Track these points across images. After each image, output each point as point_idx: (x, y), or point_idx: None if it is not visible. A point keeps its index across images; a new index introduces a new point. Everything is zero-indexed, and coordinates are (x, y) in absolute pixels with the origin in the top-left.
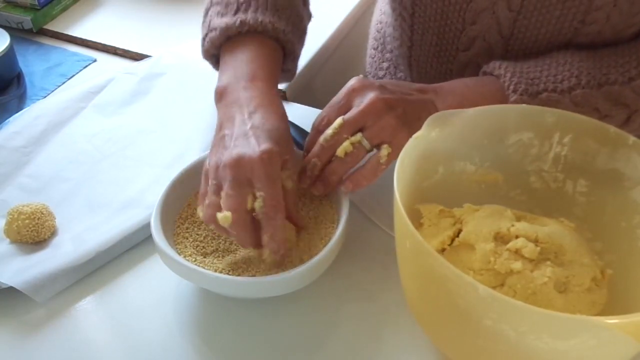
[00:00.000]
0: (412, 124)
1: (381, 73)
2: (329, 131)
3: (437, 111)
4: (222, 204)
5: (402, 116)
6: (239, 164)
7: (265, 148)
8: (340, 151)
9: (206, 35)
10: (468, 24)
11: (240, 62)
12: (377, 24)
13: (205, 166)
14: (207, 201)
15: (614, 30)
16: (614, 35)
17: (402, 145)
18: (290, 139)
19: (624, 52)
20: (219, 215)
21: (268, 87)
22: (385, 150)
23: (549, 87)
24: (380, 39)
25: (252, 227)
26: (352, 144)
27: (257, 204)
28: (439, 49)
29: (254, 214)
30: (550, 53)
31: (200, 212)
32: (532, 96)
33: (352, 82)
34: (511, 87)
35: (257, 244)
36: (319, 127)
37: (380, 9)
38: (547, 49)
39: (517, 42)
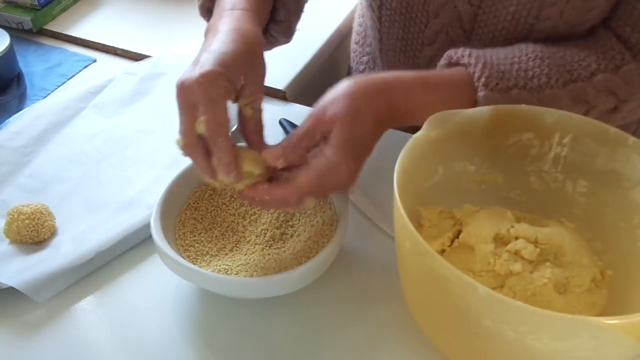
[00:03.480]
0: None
1: (362, 67)
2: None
3: None
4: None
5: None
6: (181, 89)
7: (204, 70)
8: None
9: None
10: (431, 17)
11: (225, 1)
12: (359, 17)
13: None
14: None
15: (568, 26)
16: (568, 32)
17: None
18: (251, 63)
19: (584, 45)
20: (176, 138)
21: (242, 14)
22: None
23: (520, 84)
24: (361, 32)
25: (204, 153)
26: None
27: (200, 128)
28: (405, 42)
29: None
30: (518, 44)
31: None
32: (502, 92)
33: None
34: (482, 80)
35: (210, 171)
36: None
37: (361, 3)
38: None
39: (478, 38)
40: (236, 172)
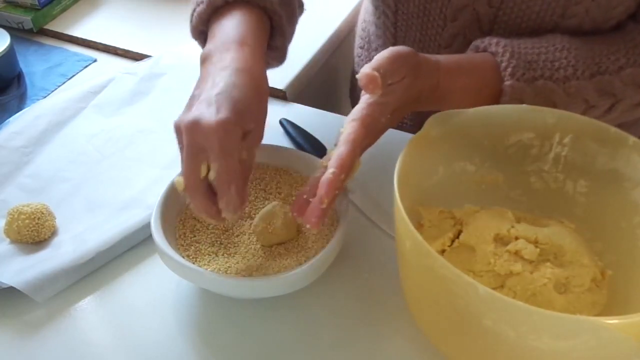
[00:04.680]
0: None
1: None
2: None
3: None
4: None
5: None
6: (193, 130)
7: (223, 118)
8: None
9: (194, 10)
10: (449, 21)
11: (227, 27)
12: (362, 22)
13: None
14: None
15: (594, 24)
16: (594, 29)
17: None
18: (260, 109)
19: (613, 40)
20: (175, 179)
21: (252, 52)
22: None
23: (546, 74)
24: (365, 37)
25: (206, 194)
26: None
27: (211, 175)
28: (422, 45)
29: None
30: (545, 35)
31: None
32: (528, 82)
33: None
34: (509, 70)
35: (211, 212)
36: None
37: (364, 8)
38: None
39: None
40: (242, 211)
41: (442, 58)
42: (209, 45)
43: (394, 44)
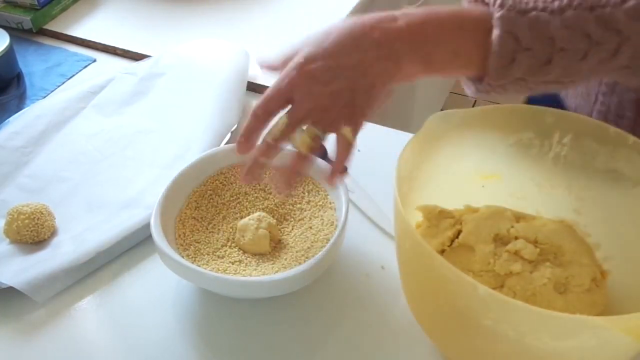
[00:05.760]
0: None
1: None
2: (276, 130)
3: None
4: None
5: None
6: None
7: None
8: (303, 147)
9: None
10: None
11: None
12: None
13: None
14: None
15: None
16: None
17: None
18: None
19: None
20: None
21: None
22: (347, 131)
23: (539, 6)
24: None
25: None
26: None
27: None
28: None
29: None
30: None
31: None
32: (520, 13)
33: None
34: (498, 2)
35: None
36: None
37: None
38: None
39: None
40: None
41: (399, 13)
42: None
43: None
